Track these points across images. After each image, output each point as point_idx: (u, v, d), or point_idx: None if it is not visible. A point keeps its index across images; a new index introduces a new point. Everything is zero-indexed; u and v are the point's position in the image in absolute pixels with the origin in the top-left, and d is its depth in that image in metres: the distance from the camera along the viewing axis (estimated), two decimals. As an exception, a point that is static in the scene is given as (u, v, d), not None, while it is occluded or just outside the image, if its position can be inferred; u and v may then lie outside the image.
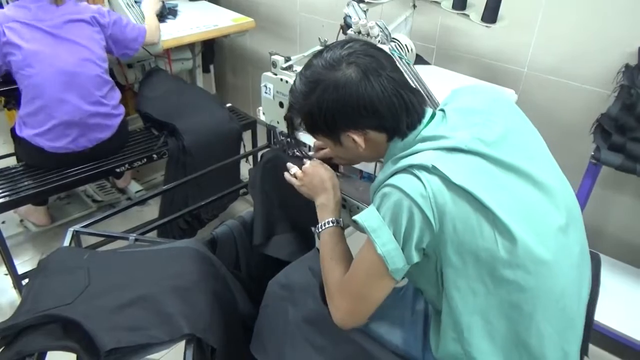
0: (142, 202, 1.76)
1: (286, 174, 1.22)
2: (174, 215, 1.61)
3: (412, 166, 0.83)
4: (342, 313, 0.94)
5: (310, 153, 1.35)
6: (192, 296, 1.08)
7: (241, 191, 2.48)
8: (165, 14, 2.53)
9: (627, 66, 1.55)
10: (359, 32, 1.43)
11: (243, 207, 2.52)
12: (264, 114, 1.38)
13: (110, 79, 1.92)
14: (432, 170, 0.81)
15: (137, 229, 1.46)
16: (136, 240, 1.31)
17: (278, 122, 1.32)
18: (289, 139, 1.38)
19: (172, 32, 2.36)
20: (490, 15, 1.66)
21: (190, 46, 2.58)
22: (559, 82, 1.77)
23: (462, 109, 0.93)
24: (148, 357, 1.06)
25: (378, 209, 0.85)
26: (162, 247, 1.23)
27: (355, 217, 0.87)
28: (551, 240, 0.84)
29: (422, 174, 0.81)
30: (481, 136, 0.85)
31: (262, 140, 2.31)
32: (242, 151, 2.21)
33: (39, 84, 1.73)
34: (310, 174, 1.16)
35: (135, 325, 0.98)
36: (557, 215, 0.86)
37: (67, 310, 0.99)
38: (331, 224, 1.08)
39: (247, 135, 2.28)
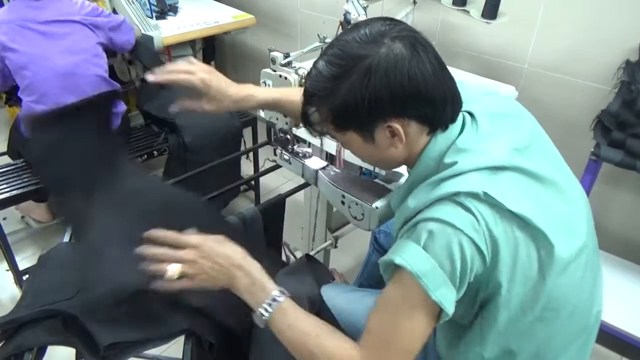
0: (142, 198, 1.76)
1: (158, 283, 0.84)
2: (174, 211, 1.61)
3: (458, 194, 0.73)
4: None
5: (307, 150, 1.35)
6: (191, 291, 1.08)
7: (242, 188, 2.49)
8: (166, 10, 2.53)
9: (627, 62, 1.55)
10: (359, 29, 1.43)
11: (244, 204, 2.52)
12: (263, 110, 1.38)
13: (108, 77, 1.91)
14: (483, 197, 0.72)
15: (137, 225, 1.46)
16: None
17: (277, 119, 1.32)
18: (287, 136, 1.38)
19: (173, 29, 2.37)
20: (491, 11, 1.66)
21: (191, 43, 2.58)
22: (560, 79, 1.76)
23: (490, 112, 0.84)
24: (148, 352, 1.07)
25: (425, 248, 0.72)
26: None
27: (393, 258, 0.74)
28: (582, 257, 0.81)
29: (473, 204, 0.72)
30: (515, 145, 0.79)
31: (262, 137, 2.31)
32: (242, 148, 2.22)
33: (37, 87, 1.73)
34: (204, 257, 0.85)
35: (134, 321, 0.99)
36: (583, 227, 0.83)
37: (67, 305, 0.99)
38: (278, 300, 0.83)
39: (247, 132, 2.28)
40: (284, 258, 1.71)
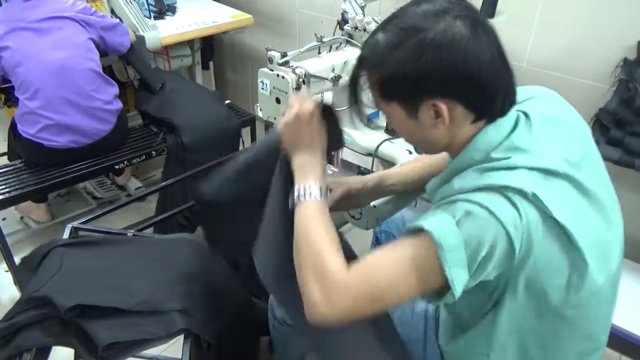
0: (141, 198, 1.77)
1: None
2: (173, 211, 1.61)
3: (507, 188, 0.70)
4: (337, 312, 0.74)
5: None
6: (190, 290, 1.08)
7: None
8: (164, 10, 2.53)
9: (625, 60, 1.55)
10: (356, 28, 1.43)
11: (243, 204, 2.52)
12: (261, 110, 1.38)
13: (103, 73, 1.90)
14: (531, 198, 0.70)
15: (136, 225, 1.47)
16: (134, 236, 1.32)
17: (275, 118, 1.32)
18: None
19: (171, 29, 2.37)
20: (489, 10, 1.65)
21: (189, 43, 2.58)
22: (558, 77, 1.76)
23: (545, 116, 0.80)
24: (146, 352, 1.07)
25: (457, 224, 0.70)
26: (160, 238, 1.24)
27: (422, 223, 0.71)
28: (609, 273, 0.80)
29: (520, 202, 0.69)
30: (567, 156, 0.75)
31: (260, 137, 2.31)
32: (240, 148, 2.22)
33: (30, 84, 1.73)
34: (294, 120, 0.87)
35: (132, 321, 0.99)
36: (617, 253, 0.83)
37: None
38: (319, 193, 0.84)
39: (246, 132, 2.28)
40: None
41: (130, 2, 2.22)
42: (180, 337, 1.03)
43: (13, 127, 1.89)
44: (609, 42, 1.61)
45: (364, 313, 0.76)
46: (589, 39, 1.66)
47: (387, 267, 0.74)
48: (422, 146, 0.87)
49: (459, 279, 0.70)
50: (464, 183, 0.75)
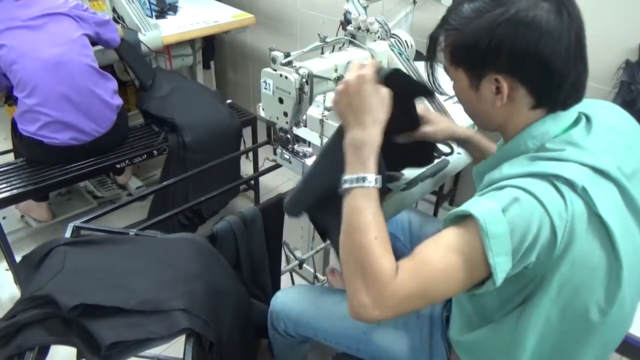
0: (142, 197, 1.76)
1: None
2: (174, 210, 1.61)
3: (557, 177, 0.70)
4: (384, 312, 0.74)
5: (307, 149, 1.35)
6: (192, 290, 1.08)
7: (241, 187, 2.49)
8: (166, 9, 2.53)
9: (627, 62, 1.55)
10: (359, 29, 1.43)
11: (243, 203, 2.52)
12: (263, 109, 1.38)
13: (99, 68, 1.90)
14: (580, 191, 0.69)
15: (138, 225, 1.46)
16: (136, 235, 1.32)
17: (278, 118, 1.32)
18: (288, 135, 1.39)
19: (173, 28, 2.37)
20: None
21: (191, 42, 2.58)
22: (560, 79, 1.77)
23: (607, 126, 0.79)
24: (148, 351, 1.07)
25: (504, 211, 0.68)
26: (162, 238, 1.24)
27: (469, 208, 0.70)
28: (637, 288, 0.78)
29: (567, 192, 0.69)
30: (621, 165, 0.74)
31: (262, 136, 2.31)
32: (242, 147, 2.22)
33: (27, 81, 1.73)
34: (351, 88, 0.85)
35: (135, 320, 0.99)
36: None
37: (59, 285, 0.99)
38: (370, 183, 0.81)
39: (247, 132, 2.28)
40: (283, 257, 1.71)
41: (132, 1, 2.22)
42: (181, 337, 1.03)
43: (14, 126, 1.89)
44: (610, 44, 1.61)
45: (415, 308, 0.75)
46: (590, 41, 1.64)
47: (435, 261, 0.72)
48: (477, 119, 0.87)
49: (502, 267, 0.69)
50: (513, 169, 0.74)
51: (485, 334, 0.85)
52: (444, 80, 0.92)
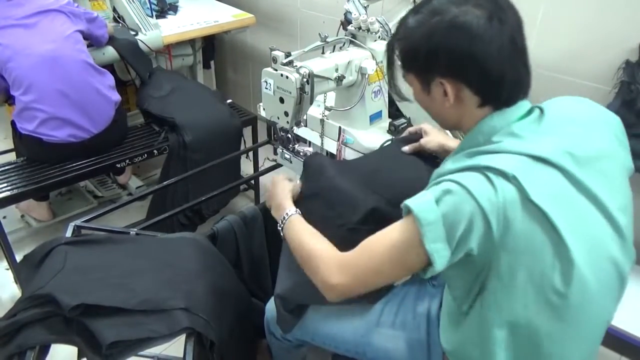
0: (142, 197, 1.77)
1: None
2: (175, 210, 1.61)
3: (489, 168, 0.75)
4: (345, 278, 0.85)
5: (308, 149, 1.35)
6: (193, 289, 1.08)
7: (242, 187, 2.49)
8: (166, 9, 2.53)
9: (627, 62, 1.55)
10: (360, 28, 1.44)
11: (244, 203, 2.52)
12: (264, 109, 1.38)
13: (94, 63, 1.89)
14: (512, 179, 0.73)
15: (139, 224, 1.47)
16: (137, 235, 1.32)
17: (278, 118, 1.32)
18: (288, 135, 1.39)
19: (173, 28, 2.37)
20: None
21: (191, 42, 2.58)
22: (560, 79, 1.77)
23: (563, 115, 0.84)
24: (149, 350, 1.07)
25: (437, 201, 0.75)
26: (163, 237, 1.24)
27: (408, 202, 0.78)
28: (603, 272, 0.79)
29: (498, 180, 0.73)
30: (572, 150, 0.77)
31: (262, 136, 2.31)
32: (242, 147, 2.22)
33: (23, 78, 1.73)
34: (273, 186, 1.17)
35: (136, 319, 0.99)
36: (620, 253, 0.81)
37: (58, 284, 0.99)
38: (288, 215, 1.04)
39: (247, 132, 2.28)
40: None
41: (133, 0, 2.22)
42: (182, 337, 1.03)
43: (14, 125, 1.89)
44: (611, 44, 1.61)
45: (368, 283, 0.85)
46: (590, 41, 1.66)
47: (381, 243, 0.83)
48: (436, 119, 0.94)
49: (439, 253, 0.75)
50: (453, 165, 0.81)
51: (461, 335, 0.88)
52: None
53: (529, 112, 0.84)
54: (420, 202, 0.76)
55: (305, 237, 0.98)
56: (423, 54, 0.82)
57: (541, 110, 0.84)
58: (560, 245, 0.74)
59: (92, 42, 2.01)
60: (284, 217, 1.05)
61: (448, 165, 0.83)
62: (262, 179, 2.37)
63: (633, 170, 0.88)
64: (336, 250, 0.91)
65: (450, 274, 0.86)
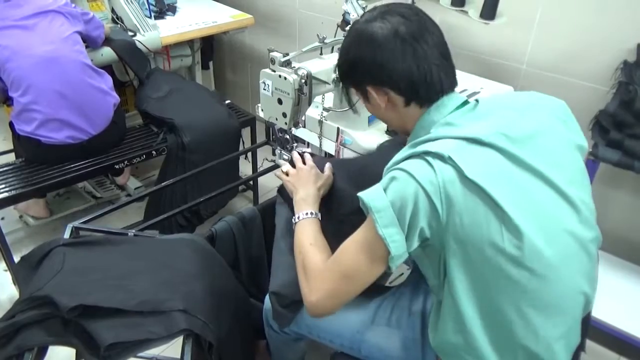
0: (141, 198, 1.76)
1: (276, 171, 1.28)
2: (173, 211, 1.61)
3: (427, 153, 0.81)
4: (320, 295, 0.92)
5: (307, 150, 1.35)
6: (191, 290, 1.08)
7: (240, 188, 2.49)
8: (165, 10, 2.53)
9: (625, 63, 1.56)
10: (358, 29, 1.43)
11: (242, 204, 2.52)
12: (262, 110, 1.38)
13: (92, 64, 1.89)
14: (448, 160, 0.79)
15: (137, 225, 1.47)
16: (135, 236, 1.32)
17: (277, 119, 1.32)
18: (287, 136, 1.39)
19: (171, 29, 2.37)
20: (489, 12, 1.66)
21: (189, 43, 2.58)
22: (558, 79, 1.77)
23: (498, 103, 0.92)
24: (147, 351, 1.07)
25: (385, 190, 0.82)
26: (161, 238, 1.24)
27: (359, 194, 0.84)
28: (560, 243, 0.82)
29: (436, 162, 0.80)
30: (506, 131, 0.83)
31: (260, 137, 2.31)
32: (240, 148, 2.22)
33: (21, 80, 1.73)
34: (300, 171, 1.20)
35: (134, 321, 0.99)
36: (577, 226, 0.84)
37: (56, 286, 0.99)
38: (310, 215, 1.09)
39: (246, 132, 2.28)
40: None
41: (131, 1, 2.22)
42: (180, 338, 1.03)
43: (12, 127, 1.89)
44: (609, 44, 1.61)
45: (345, 292, 0.91)
46: (588, 41, 1.66)
47: (348, 246, 0.90)
48: (388, 125, 1.08)
49: (393, 237, 0.81)
50: (398, 156, 0.87)
51: (443, 324, 0.90)
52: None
53: (464, 104, 0.91)
54: (370, 192, 0.83)
55: (305, 246, 1.02)
56: (345, 67, 0.96)
57: (477, 101, 0.91)
58: (505, 218, 0.78)
59: (89, 43, 2.01)
60: (301, 216, 1.09)
61: (395, 157, 0.89)
62: (261, 180, 2.37)
63: (585, 148, 0.93)
64: (325, 258, 0.96)
65: (421, 264, 0.95)
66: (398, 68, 0.88)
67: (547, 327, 0.83)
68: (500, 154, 0.82)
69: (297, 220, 1.10)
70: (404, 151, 0.88)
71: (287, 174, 1.23)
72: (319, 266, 0.95)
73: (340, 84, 1.06)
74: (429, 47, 0.88)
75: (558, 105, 0.93)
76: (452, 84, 0.92)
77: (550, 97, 0.95)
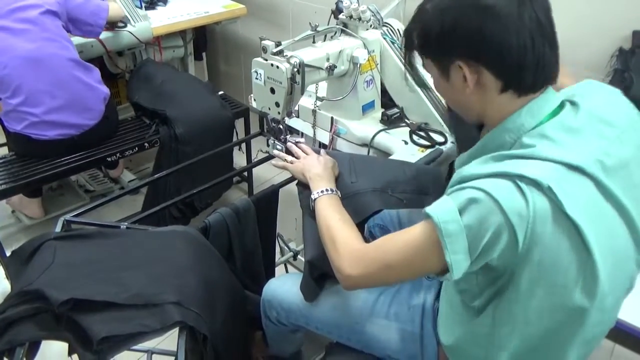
0: (134, 190, 1.75)
1: (273, 161, 1.26)
2: (166, 203, 1.59)
3: (522, 177, 0.68)
4: (358, 273, 0.84)
5: (300, 140, 1.34)
6: (185, 283, 1.07)
7: (235, 179, 2.48)
8: (156, 0, 2.50)
9: (620, 50, 1.55)
10: (351, 17, 1.42)
11: (237, 195, 2.51)
12: (255, 100, 1.36)
13: (80, 59, 1.85)
14: (546, 191, 0.67)
15: (130, 218, 1.45)
16: (127, 228, 1.30)
17: (269, 109, 1.31)
18: (280, 126, 1.37)
19: (163, 19, 2.34)
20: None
21: (182, 33, 2.55)
22: (553, 67, 1.76)
23: (597, 115, 0.77)
24: (142, 344, 1.06)
25: (460, 211, 0.70)
26: (154, 231, 1.22)
27: (428, 210, 0.73)
28: (619, 289, 0.78)
29: (531, 192, 0.67)
30: (603, 157, 0.72)
31: (254, 128, 2.29)
32: (234, 139, 2.20)
33: (10, 80, 1.70)
34: (308, 156, 1.18)
35: (127, 314, 0.98)
36: (635, 267, 0.78)
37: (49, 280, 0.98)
38: (330, 192, 1.05)
39: (239, 124, 2.26)
40: (277, 249, 1.70)
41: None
42: (174, 331, 1.02)
43: (1, 123, 1.86)
44: (604, 31, 1.60)
45: (383, 280, 0.86)
46: (584, 29, 1.65)
47: (398, 241, 0.80)
48: (458, 110, 0.87)
49: (458, 264, 0.72)
50: (479, 169, 0.74)
51: (468, 330, 0.86)
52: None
53: (560, 106, 0.78)
54: (442, 211, 0.71)
55: (333, 220, 0.97)
56: (435, 35, 0.76)
57: (573, 104, 0.78)
58: (588, 262, 0.70)
59: (83, 33, 1.95)
60: (323, 191, 1.05)
61: (473, 167, 0.75)
62: (255, 171, 2.35)
63: None
64: (359, 241, 0.90)
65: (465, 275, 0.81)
66: (513, 44, 0.71)
67: (571, 355, 0.80)
68: (595, 186, 0.71)
69: (317, 195, 1.05)
70: (486, 162, 0.75)
71: (290, 162, 1.22)
72: (355, 245, 0.89)
73: (403, 51, 0.88)
74: (549, 23, 0.75)
75: None
76: (556, 75, 0.78)
77: (629, 106, 0.83)
